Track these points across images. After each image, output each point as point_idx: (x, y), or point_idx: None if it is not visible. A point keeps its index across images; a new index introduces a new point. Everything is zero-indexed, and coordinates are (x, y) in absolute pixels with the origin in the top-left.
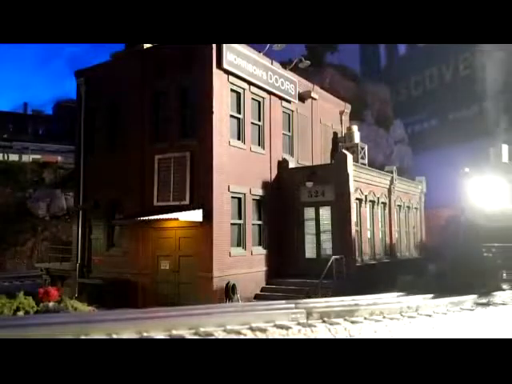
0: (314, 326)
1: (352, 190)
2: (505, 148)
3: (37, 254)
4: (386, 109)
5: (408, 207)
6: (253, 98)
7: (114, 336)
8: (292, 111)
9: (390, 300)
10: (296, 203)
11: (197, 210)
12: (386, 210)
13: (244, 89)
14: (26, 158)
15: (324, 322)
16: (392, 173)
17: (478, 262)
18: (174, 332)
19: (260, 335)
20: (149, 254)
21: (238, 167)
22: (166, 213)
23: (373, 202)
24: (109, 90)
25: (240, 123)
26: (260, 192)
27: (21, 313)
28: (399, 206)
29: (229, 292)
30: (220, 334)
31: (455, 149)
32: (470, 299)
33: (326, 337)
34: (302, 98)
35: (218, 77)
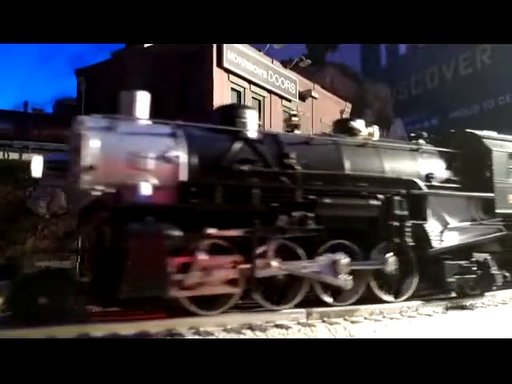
0: (314, 326)
1: None
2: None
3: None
4: (386, 108)
5: None
6: (253, 97)
7: (114, 336)
8: (292, 110)
9: None
10: None
11: None
12: None
13: (244, 88)
14: (26, 156)
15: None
16: None
17: None
18: (175, 331)
19: (260, 335)
20: None
21: None
22: None
23: None
24: (109, 89)
25: None
26: None
27: None
28: None
29: None
30: (220, 334)
31: None
32: None
33: (326, 336)
34: (303, 96)
35: (218, 75)
